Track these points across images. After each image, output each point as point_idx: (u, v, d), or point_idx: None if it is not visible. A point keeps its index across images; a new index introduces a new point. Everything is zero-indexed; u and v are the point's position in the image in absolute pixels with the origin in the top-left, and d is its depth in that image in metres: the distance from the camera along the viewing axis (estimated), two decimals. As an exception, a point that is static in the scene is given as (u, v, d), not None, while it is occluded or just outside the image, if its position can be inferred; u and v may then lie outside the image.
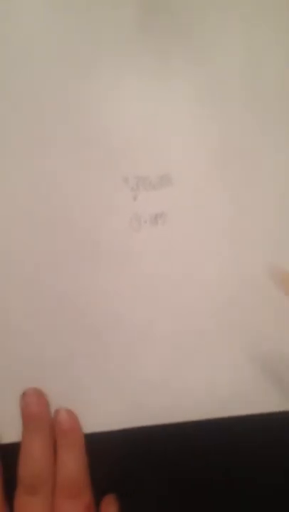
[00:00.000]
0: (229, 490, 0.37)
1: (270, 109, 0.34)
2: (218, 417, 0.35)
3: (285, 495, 0.37)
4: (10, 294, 0.33)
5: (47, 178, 0.33)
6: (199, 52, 0.33)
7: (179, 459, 0.36)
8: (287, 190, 0.35)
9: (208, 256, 0.35)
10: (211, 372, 0.35)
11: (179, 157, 0.34)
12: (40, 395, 0.33)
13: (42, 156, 0.33)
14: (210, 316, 0.35)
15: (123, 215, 0.34)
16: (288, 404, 0.35)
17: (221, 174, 0.34)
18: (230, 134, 0.34)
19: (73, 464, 0.32)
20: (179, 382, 0.35)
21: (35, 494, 0.31)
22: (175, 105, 0.34)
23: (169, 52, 0.33)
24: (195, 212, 0.34)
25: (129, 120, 0.33)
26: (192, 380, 0.35)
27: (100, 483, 0.34)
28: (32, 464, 0.31)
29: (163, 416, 0.35)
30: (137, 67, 0.33)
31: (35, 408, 0.32)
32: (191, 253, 0.34)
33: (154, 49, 0.33)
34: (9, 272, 0.33)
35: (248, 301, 0.35)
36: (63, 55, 0.33)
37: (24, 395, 0.33)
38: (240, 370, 0.35)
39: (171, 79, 0.33)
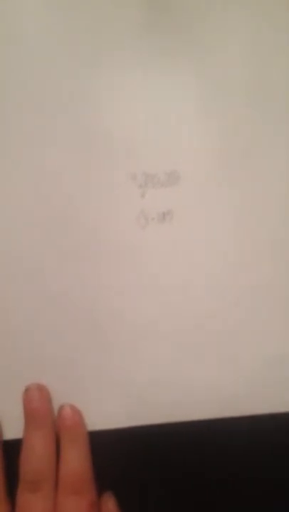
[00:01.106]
0: (232, 490, 0.37)
1: (277, 106, 0.34)
2: (221, 417, 0.35)
3: None
4: (12, 292, 0.33)
5: (53, 176, 0.33)
6: (204, 51, 0.33)
7: (180, 459, 0.36)
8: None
9: (215, 254, 0.34)
10: (215, 371, 0.35)
11: (187, 155, 0.34)
12: (42, 391, 0.33)
13: (49, 153, 0.33)
14: (215, 315, 0.35)
15: (130, 212, 0.33)
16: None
17: (228, 172, 0.34)
18: (238, 132, 0.34)
19: (77, 459, 0.32)
20: (182, 381, 0.35)
21: (37, 491, 0.31)
22: (183, 102, 0.33)
23: (174, 51, 0.33)
24: (202, 210, 0.34)
25: (137, 117, 0.33)
26: (195, 379, 0.35)
27: (100, 481, 0.34)
28: (34, 460, 0.31)
29: (165, 415, 0.35)
30: (143, 65, 0.33)
31: (37, 404, 0.32)
32: (198, 251, 0.34)
33: (159, 46, 0.33)
34: (12, 270, 0.33)
35: (254, 299, 0.35)
36: (67, 54, 0.32)
37: (26, 391, 0.33)
38: (244, 370, 0.35)
39: (179, 76, 0.33)
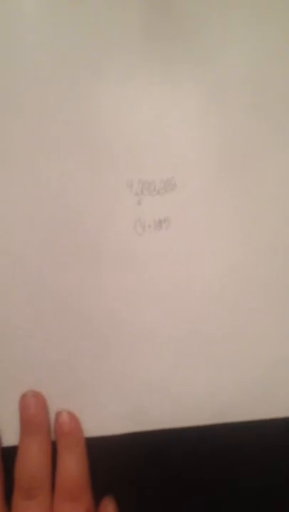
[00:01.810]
0: (231, 496, 0.37)
1: (275, 114, 0.34)
2: (220, 423, 0.35)
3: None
4: (11, 297, 0.33)
5: (51, 183, 0.33)
6: (203, 57, 0.33)
7: (179, 465, 0.36)
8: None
9: (211, 261, 0.34)
10: (212, 377, 0.35)
11: (183, 162, 0.34)
12: (38, 398, 0.33)
13: (45, 160, 0.33)
14: (213, 320, 0.35)
15: (127, 220, 0.33)
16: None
17: (225, 180, 0.34)
18: (235, 140, 0.34)
19: (74, 466, 0.32)
20: (181, 386, 0.35)
21: (33, 498, 0.31)
22: (180, 110, 0.33)
23: (173, 57, 0.33)
24: (199, 218, 0.34)
25: (134, 124, 0.33)
26: (194, 384, 0.35)
27: (99, 487, 0.34)
28: (29, 467, 0.31)
29: (165, 421, 0.35)
30: (141, 72, 0.33)
31: (33, 411, 0.32)
32: (194, 258, 0.34)
33: (158, 54, 0.33)
34: (11, 274, 0.33)
35: (252, 305, 0.35)
36: (67, 60, 0.32)
37: (22, 398, 0.33)
38: (241, 376, 0.35)
39: (176, 84, 0.33)
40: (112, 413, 0.34)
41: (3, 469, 0.33)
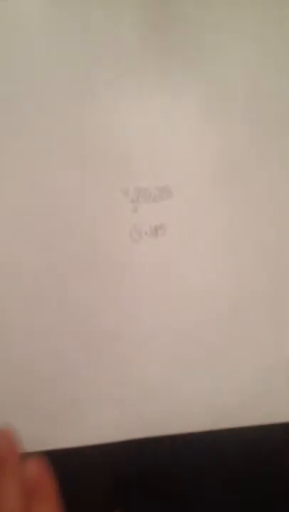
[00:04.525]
0: (228, 502, 0.37)
1: (269, 123, 0.35)
2: (217, 429, 0.35)
3: None
4: (9, 306, 0.33)
5: (47, 191, 0.33)
6: (199, 67, 0.34)
7: (177, 472, 0.36)
8: (284, 202, 0.35)
9: (207, 268, 0.35)
10: (208, 382, 0.35)
11: (178, 169, 0.34)
12: (9, 437, 0.31)
13: (42, 169, 0.33)
14: (209, 327, 0.35)
15: (123, 227, 0.34)
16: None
17: (219, 187, 0.35)
18: (230, 148, 0.35)
19: None
20: (179, 394, 0.35)
21: None
22: (175, 118, 0.34)
23: (170, 67, 0.34)
24: (195, 225, 0.35)
25: (130, 133, 0.34)
26: (192, 391, 0.35)
27: (100, 495, 0.33)
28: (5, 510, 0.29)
29: (162, 428, 0.35)
30: (137, 81, 0.34)
31: (1, 453, 0.30)
32: (191, 265, 0.35)
33: (154, 63, 0.34)
34: (8, 284, 0.33)
35: (248, 312, 0.35)
36: (65, 69, 0.33)
37: None
38: (241, 381, 0.35)
39: (172, 92, 0.34)
40: (110, 421, 0.34)
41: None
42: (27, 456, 0.29)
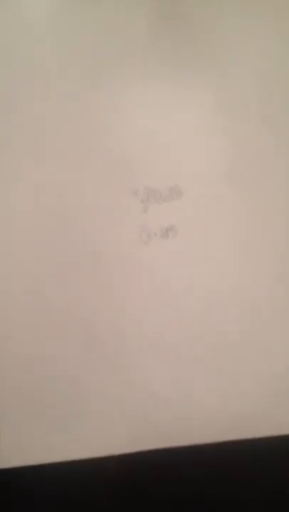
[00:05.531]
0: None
1: (281, 122, 0.34)
2: (228, 440, 0.34)
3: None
4: (14, 306, 0.33)
5: (57, 191, 0.33)
6: (211, 65, 0.34)
7: (184, 483, 0.35)
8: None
9: (217, 270, 0.34)
10: (216, 387, 0.34)
11: (188, 170, 0.34)
12: None
13: (51, 168, 0.33)
14: (220, 328, 0.34)
15: (133, 227, 0.33)
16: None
17: (230, 187, 0.34)
18: (241, 147, 0.34)
19: None
20: (188, 397, 0.34)
21: None
22: (186, 118, 0.34)
23: (181, 65, 0.33)
24: (205, 226, 0.34)
25: (140, 133, 0.33)
26: (201, 395, 0.34)
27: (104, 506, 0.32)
28: None
29: (170, 439, 0.33)
30: (148, 80, 0.33)
31: None
32: (200, 267, 0.34)
33: (166, 61, 0.33)
34: (14, 284, 0.32)
35: (260, 313, 0.35)
36: (75, 66, 0.33)
37: None
38: (250, 385, 0.34)
39: (182, 93, 0.33)
40: (116, 431, 0.33)
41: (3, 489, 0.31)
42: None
